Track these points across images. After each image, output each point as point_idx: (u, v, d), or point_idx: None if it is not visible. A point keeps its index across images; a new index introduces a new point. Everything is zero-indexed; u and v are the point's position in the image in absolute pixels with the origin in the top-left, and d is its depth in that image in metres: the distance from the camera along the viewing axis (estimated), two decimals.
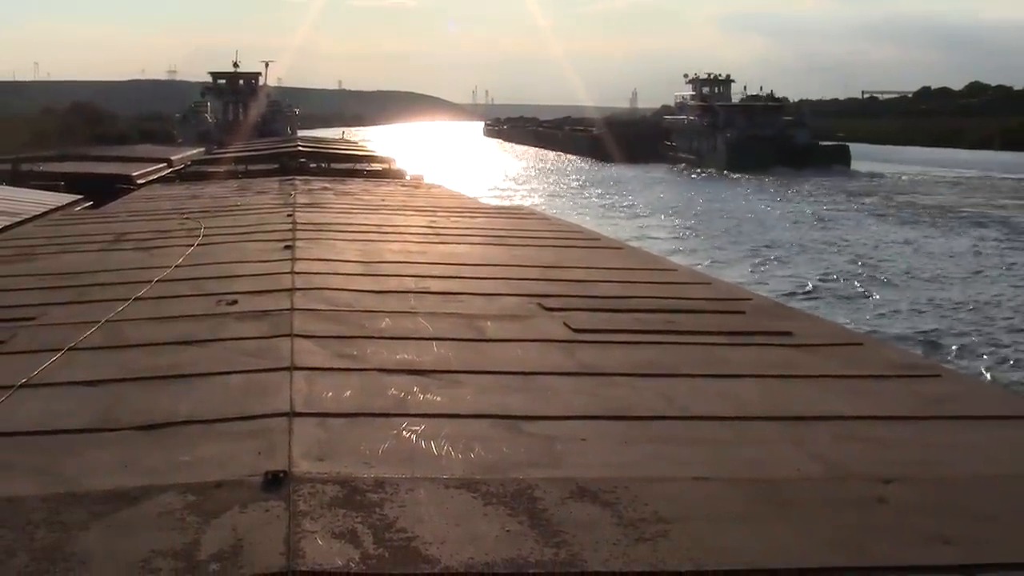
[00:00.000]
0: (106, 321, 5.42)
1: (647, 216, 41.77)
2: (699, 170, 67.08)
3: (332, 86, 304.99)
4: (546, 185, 59.46)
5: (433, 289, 6.60)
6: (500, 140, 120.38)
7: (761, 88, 77.44)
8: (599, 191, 54.50)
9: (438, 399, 4.00)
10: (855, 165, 67.64)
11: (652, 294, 6.79)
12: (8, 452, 3.37)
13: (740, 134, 68.15)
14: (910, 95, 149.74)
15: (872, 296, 22.92)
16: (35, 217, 12.93)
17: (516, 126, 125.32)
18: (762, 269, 27.07)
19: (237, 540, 2.56)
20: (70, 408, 3.87)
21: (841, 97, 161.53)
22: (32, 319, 5.66)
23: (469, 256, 8.46)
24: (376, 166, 24.09)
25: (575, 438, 3.55)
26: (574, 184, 60.63)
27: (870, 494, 3.06)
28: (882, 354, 5.34)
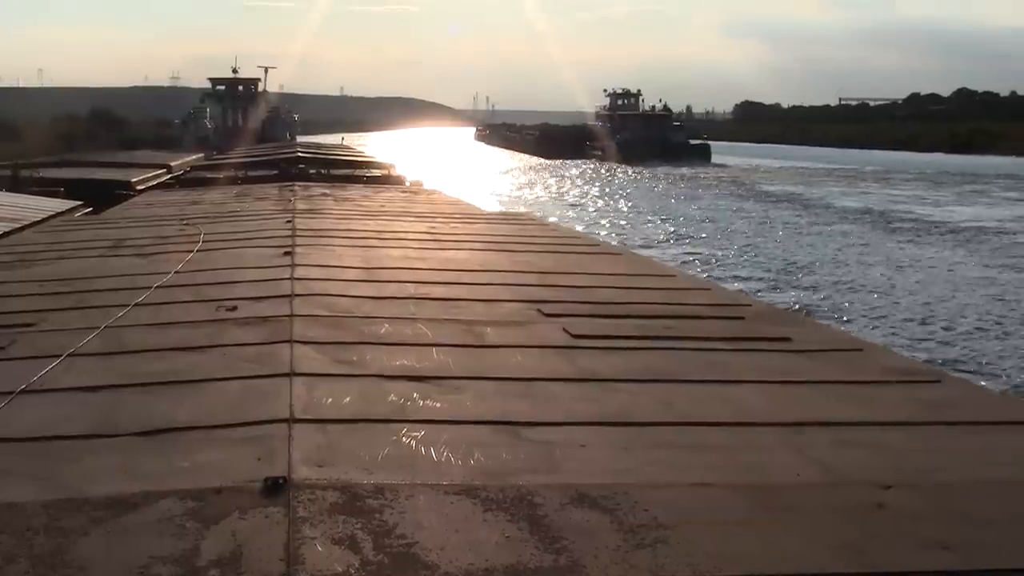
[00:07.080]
0: (106, 327, 5.42)
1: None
2: (600, 163, 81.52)
3: (334, 92, 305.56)
4: (476, 168, 73.69)
5: (433, 295, 6.60)
6: (484, 143, 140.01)
7: (660, 100, 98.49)
8: (518, 171, 73.84)
9: (438, 405, 4.00)
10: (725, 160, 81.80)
11: (651, 300, 6.80)
12: (8, 458, 3.36)
13: (630, 135, 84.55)
14: (899, 101, 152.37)
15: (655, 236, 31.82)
16: (35, 223, 12.94)
17: (495, 132, 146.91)
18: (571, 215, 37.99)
19: (237, 546, 2.56)
20: (70, 414, 3.86)
21: (832, 103, 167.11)
22: (32, 325, 5.66)
23: (469, 262, 8.46)
24: (376, 172, 24.07)
25: (575, 444, 3.55)
26: (498, 167, 78.42)
27: (870, 500, 3.07)
28: (882, 360, 5.34)
